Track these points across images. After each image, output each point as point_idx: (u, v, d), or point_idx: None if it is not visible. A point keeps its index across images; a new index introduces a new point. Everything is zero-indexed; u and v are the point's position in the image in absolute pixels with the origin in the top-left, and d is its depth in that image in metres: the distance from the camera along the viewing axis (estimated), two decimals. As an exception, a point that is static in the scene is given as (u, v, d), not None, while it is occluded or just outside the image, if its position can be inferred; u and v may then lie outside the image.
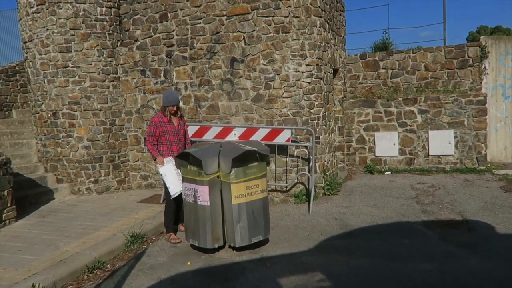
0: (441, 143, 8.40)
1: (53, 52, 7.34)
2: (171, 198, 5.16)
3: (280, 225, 5.68)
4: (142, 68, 7.70)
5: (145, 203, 6.87)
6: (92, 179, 7.55)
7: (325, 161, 7.17)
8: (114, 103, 7.76)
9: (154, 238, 5.44)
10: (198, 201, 4.58)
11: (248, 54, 6.91)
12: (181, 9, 7.25)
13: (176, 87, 7.45)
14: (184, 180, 4.80)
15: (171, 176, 5.11)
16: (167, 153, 5.24)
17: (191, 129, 6.74)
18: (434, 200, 6.50)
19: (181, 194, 5.01)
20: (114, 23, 7.68)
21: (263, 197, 4.75)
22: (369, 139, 8.86)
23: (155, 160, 5.26)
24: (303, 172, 6.74)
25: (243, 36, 6.91)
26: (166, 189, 5.21)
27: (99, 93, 7.55)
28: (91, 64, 7.46)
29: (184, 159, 4.81)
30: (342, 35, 8.82)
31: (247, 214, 4.59)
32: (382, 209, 6.18)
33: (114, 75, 7.77)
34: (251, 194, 4.61)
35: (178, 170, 5.04)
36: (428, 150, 8.52)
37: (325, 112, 7.11)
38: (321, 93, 6.91)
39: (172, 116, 5.25)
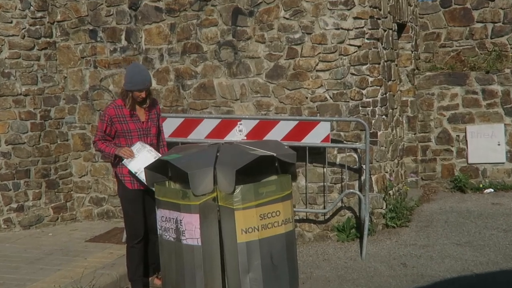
0: None
1: (-48, 4, 7.46)
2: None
3: (315, 276, 5.68)
4: (91, 28, 7.76)
5: (98, 243, 6.90)
6: (14, 206, 7.60)
7: (387, 172, 7.14)
8: (48, 84, 7.83)
9: (113, 298, 5.48)
10: (183, 238, 4.58)
11: (261, 2, 6.92)
12: None
13: (146, 56, 7.49)
14: (160, 205, 4.81)
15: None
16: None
17: (170, 124, 6.76)
18: None
19: (155, 227, 5.03)
20: (47, -43, 7.77)
21: (286, 231, 4.73)
22: (458, 136, 8.81)
23: (115, 161, 5.21)
24: (351, 190, 6.72)
25: (252, -26, 6.95)
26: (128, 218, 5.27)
27: (24, 68, 7.62)
28: (11, 22, 7.52)
29: (160, 172, 4.81)
30: (412, -32, 8.80)
31: (262, 258, 4.57)
32: (481, 249, 6.15)
33: (48, 40, 7.83)
34: (268, 227, 4.60)
35: (157, 152, 5.21)
36: (555, 154, 8.46)
37: (385, 94, 7.08)
38: (379, 63, 6.88)
39: (138, 107, 5.27)
